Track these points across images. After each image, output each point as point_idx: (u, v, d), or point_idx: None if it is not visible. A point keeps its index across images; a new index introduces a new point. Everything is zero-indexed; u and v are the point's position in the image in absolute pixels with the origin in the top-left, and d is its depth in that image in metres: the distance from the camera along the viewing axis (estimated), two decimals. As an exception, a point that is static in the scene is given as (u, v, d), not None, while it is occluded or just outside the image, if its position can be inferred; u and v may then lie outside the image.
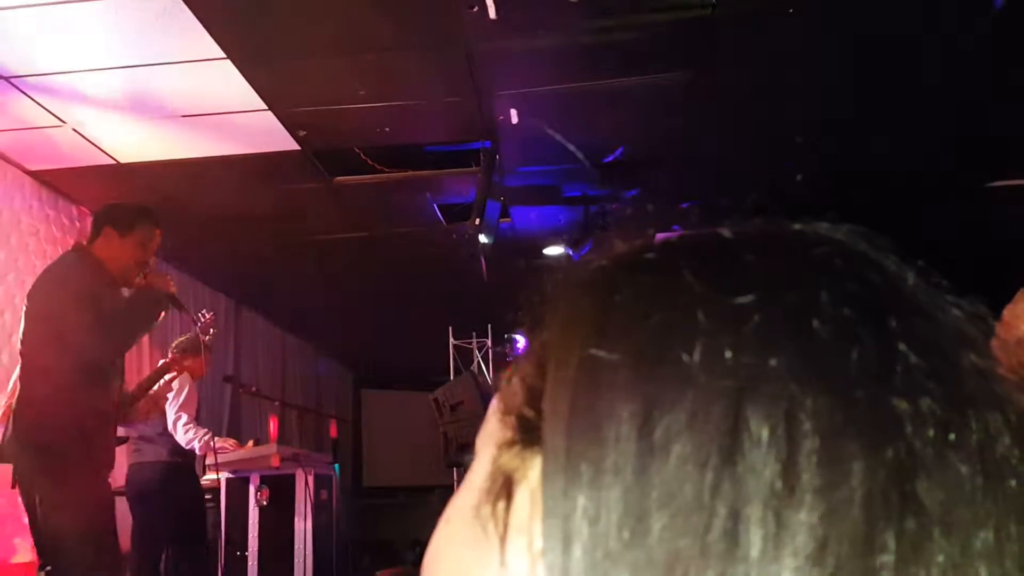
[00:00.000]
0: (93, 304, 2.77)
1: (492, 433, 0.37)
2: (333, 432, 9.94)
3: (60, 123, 4.93)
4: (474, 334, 8.83)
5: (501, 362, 8.39)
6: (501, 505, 0.34)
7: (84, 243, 3.01)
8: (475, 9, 3.78)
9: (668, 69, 4.43)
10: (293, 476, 4.60)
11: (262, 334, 9.16)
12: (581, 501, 0.31)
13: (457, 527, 0.37)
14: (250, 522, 4.46)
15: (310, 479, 4.62)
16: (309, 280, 7.87)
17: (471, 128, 5.02)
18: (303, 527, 4.49)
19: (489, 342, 8.74)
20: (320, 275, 7.75)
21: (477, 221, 4.97)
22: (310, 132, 5.09)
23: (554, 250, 6.10)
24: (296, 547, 4.45)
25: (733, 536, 0.28)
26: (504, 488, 0.35)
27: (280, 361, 9.58)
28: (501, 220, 5.52)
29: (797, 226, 0.36)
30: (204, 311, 4.50)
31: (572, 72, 4.42)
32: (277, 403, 7.48)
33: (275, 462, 4.40)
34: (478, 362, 8.65)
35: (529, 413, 0.35)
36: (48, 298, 2.80)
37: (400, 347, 10.05)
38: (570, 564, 0.30)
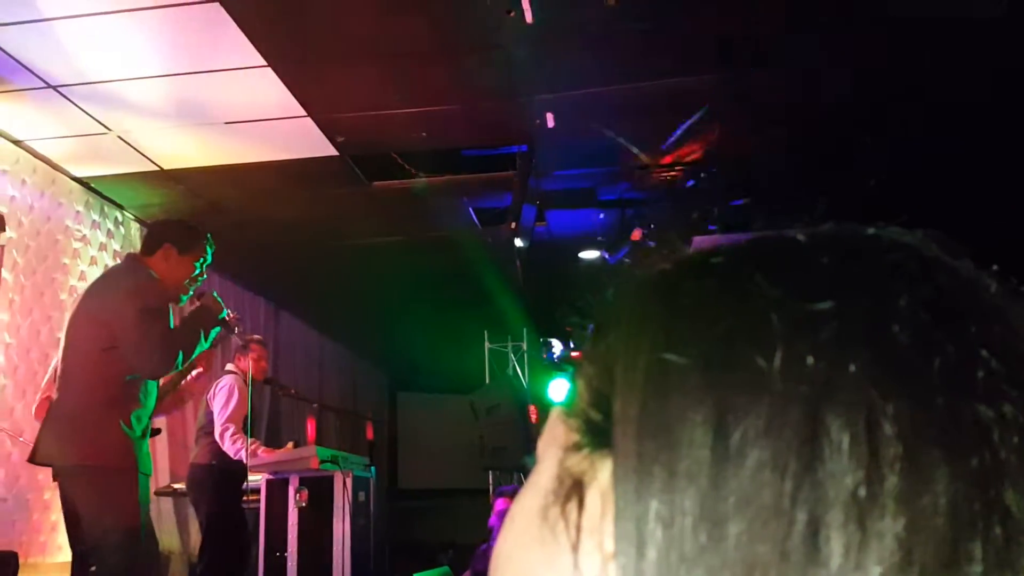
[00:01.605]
0: (156, 319, 2.78)
1: (557, 436, 0.37)
2: (369, 434, 10.00)
3: (106, 130, 5.04)
4: (509, 338, 8.83)
5: (537, 366, 8.38)
6: (570, 507, 0.34)
7: (141, 256, 3.03)
8: (512, 13, 3.80)
9: (706, 71, 4.40)
10: (332, 478, 4.64)
11: (300, 337, 9.26)
12: (654, 504, 0.31)
13: (524, 529, 0.37)
14: (289, 523, 4.51)
15: (348, 481, 4.66)
16: (346, 284, 7.95)
17: (507, 132, 5.04)
18: (342, 529, 4.52)
19: (524, 346, 8.74)
20: (357, 279, 7.82)
21: (513, 225, 4.98)
22: (348, 138, 5.15)
23: (590, 254, 6.10)
24: (335, 549, 4.49)
25: (813, 543, 0.28)
26: (573, 490, 0.35)
27: (318, 364, 9.68)
28: (537, 224, 5.54)
29: (870, 230, 0.35)
30: (228, 311, 4.56)
31: (609, 75, 4.42)
32: (315, 405, 7.54)
33: (314, 464, 4.45)
34: (513, 366, 8.66)
35: (596, 416, 0.35)
36: (108, 306, 2.80)
37: (436, 350, 10.10)
38: (644, 566, 0.30)
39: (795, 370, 0.30)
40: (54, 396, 2.84)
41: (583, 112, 4.71)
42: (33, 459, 2.98)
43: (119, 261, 5.72)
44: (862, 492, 0.28)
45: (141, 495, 2.75)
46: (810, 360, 0.30)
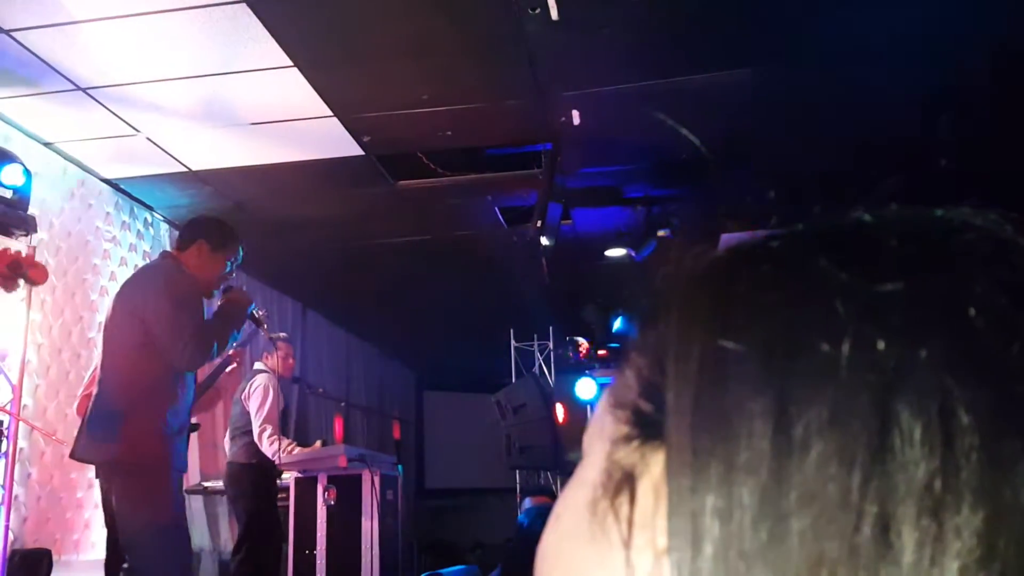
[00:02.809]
0: (189, 312, 2.84)
1: (604, 428, 0.36)
2: (396, 433, 10.04)
3: (134, 132, 5.09)
4: (535, 336, 8.82)
5: (563, 365, 8.36)
6: (621, 500, 0.33)
7: (175, 252, 3.08)
8: (537, 11, 3.78)
9: (735, 66, 4.35)
10: (360, 476, 4.66)
11: (327, 336, 9.31)
12: (711, 499, 0.29)
13: (571, 524, 0.35)
14: (318, 521, 4.53)
15: (376, 480, 4.67)
16: (373, 283, 7.98)
17: (532, 130, 5.02)
18: (370, 527, 4.54)
19: (551, 344, 8.72)
20: (383, 278, 7.84)
21: (539, 223, 4.96)
22: (374, 137, 5.16)
23: (616, 252, 6.06)
24: (363, 547, 4.50)
25: (884, 539, 0.27)
26: (623, 483, 0.33)
27: (344, 363, 9.73)
28: (562, 222, 5.51)
29: (939, 211, 0.33)
30: (256, 308, 4.59)
31: (636, 71, 4.38)
32: (342, 404, 7.59)
33: (342, 462, 4.46)
34: (540, 364, 8.64)
35: (647, 407, 0.34)
36: (142, 301, 2.84)
37: (462, 349, 10.12)
38: (700, 563, 0.29)
39: (863, 357, 0.29)
40: (95, 391, 2.87)
41: (609, 109, 4.67)
42: (73, 455, 3.02)
43: (152, 259, 5.79)
44: (937, 484, 0.27)
45: (175, 491, 2.77)
46: (879, 346, 0.29)
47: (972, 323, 0.29)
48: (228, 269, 3.09)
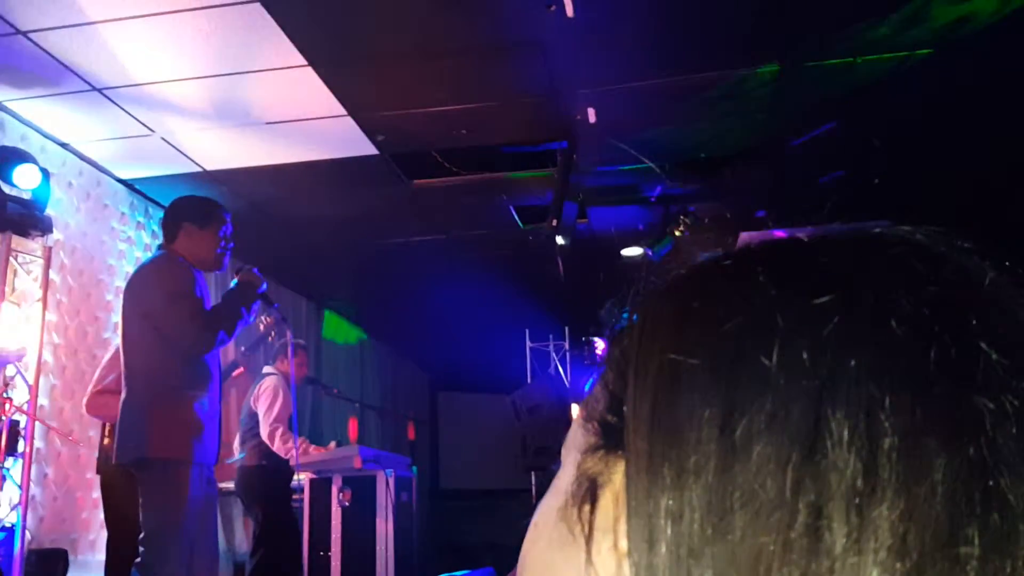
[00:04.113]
0: (190, 300, 2.85)
1: (576, 440, 0.39)
2: (411, 434, 10.03)
3: (149, 132, 5.09)
4: (551, 337, 8.78)
5: (579, 365, 8.32)
6: (587, 508, 0.35)
7: (165, 244, 3.07)
8: (552, 8, 3.74)
9: (751, 63, 4.30)
10: (374, 477, 4.64)
11: (341, 336, 9.31)
12: (664, 501, 0.32)
13: (544, 529, 0.38)
14: (333, 522, 4.52)
15: (391, 481, 4.65)
16: (387, 283, 7.97)
17: (548, 128, 4.99)
18: (385, 528, 4.52)
19: (566, 345, 8.68)
20: (398, 278, 7.83)
21: (554, 222, 4.93)
22: (388, 136, 5.14)
23: (632, 251, 6.01)
24: (378, 548, 4.48)
25: (816, 532, 0.29)
26: (589, 491, 0.36)
27: (359, 364, 9.72)
28: (578, 221, 5.47)
29: (877, 229, 0.36)
30: (263, 315, 4.56)
31: (652, 68, 4.34)
32: (356, 405, 7.58)
33: (357, 463, 4.45)
34: (555, 365, 8.60)
35: (611, 419, 0.36)
36: (145, 298, 2.87)
37: (477, 350, 10.10)
38: (655, 562, 0.31)
39: (796, 365, 0.31)
40: (123, 396, 2.88)
41: (625, 106, 4.63)
42: (114, 461, 3.01)
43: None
44: (861, 482, 0.29)
45: (194, 487, 2.76)
46: (810, 355, 0.31)
47: (895, 333, 0.31)
48: (223, 241, 3.05)
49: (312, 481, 4.64)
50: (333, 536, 4.48)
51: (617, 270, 6.17)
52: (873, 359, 0.31)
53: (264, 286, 3.11)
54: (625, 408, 0.35)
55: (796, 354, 0.31)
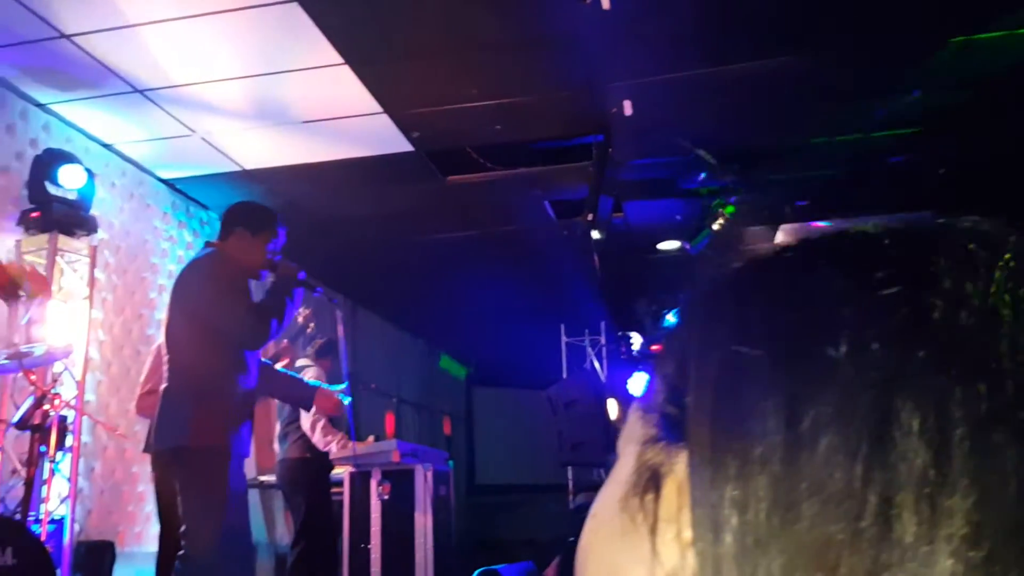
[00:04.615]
0: (240, 295, 2.92)
1: (635, 431, 0.39)
2: (447, 429, 10.08)
3: (190, 132, 5.18)
4: (586, 332, 8.76)
5: (615, 360, 8.29)
6: (649, 498, 0.36)
7: (217, 242, 3.13)
8: (588, 1, 3.73)
9: (789, 53, 4.25)
10: (412, 471, 4.68)
11: (378, 332, 9.38)
12: (729, 491, 0.32)
13: (605, 520, 0.38)
14: (372, 516, 4.56)
15: (429, 475, 4.68)
16: (422, 279, 8.01)
17: (583, 122, 4.98)
18: (423, 521, 4.55)
19: (603, 339, 8.65)
20: (433, 274, 7.87)
21: (590, 217, 4.92)
22: (423, 133, 5.17)
23: (669, 245, 5.97)
24: (416, 541, 4.52)
25: (886, 522, 0.29)
26: (651, 482, 0.36)
27: (395, 359, 9.80)
28: (614, 215, 5.45)
29: (940, 220, 0.36)
30: (302, 307, 4.60)
31: (688, 60, 4.31)
32: (393, 400, 7.64)
33: (395, 457, 4.48)
34: (591, 360, 8.58)
35: (672, 410, 0.37)
36: (194, 293, 2.92)
37: (512, 345, 10.11)
38: (721, 551, 0.32)
39: (865, 357, 0.31)
40: (164, 386, 2.93)
41: (662, 98, 4.60)
42: (147, 449, 3.08)
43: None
44: (932, 473, 0.29)
45: (234, 478, 2.81)
46: (879, 347, 0.31)
47: (964, 324, 0.31)
48: (271, 250, 3.11)
49: (351, 474, 4.69)
50: (372, 529, 4.52)
51: (654, 264, 6.15)
52: (943, 350, 0.31)
53: (302, 273, 3.14)
54: (687, 399, 0.36)
55: (864, 345, 0.31)
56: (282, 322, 2.96)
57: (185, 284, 2.98)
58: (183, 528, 2.78)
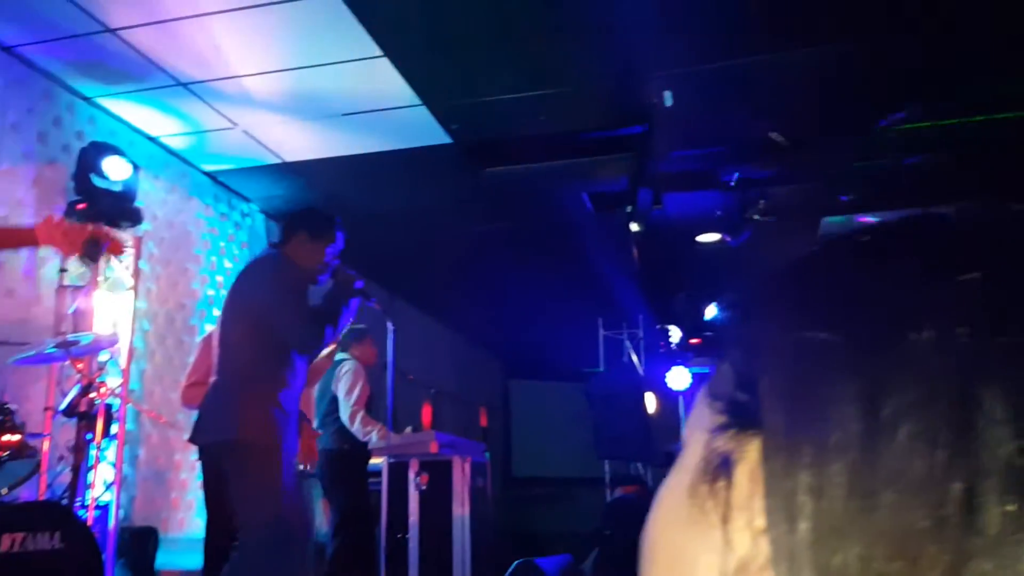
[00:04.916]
0: (299, 300, 2.99)
1: (702, 419, 0.38)
2: (483, 421, 10.08)
3: (232, 125, 5.23)
4: (624, 324, 8.71)
5: (654, 353, 8.23)
6: (719, 485, 0.35)
7: (279, 245, 3.21)
8: (629, -10, 3.69)
9: (832, 40, 4.16)
10: (450, 463, 4.68)
11: (415, 324, 9.42)
12: (805, 478, 0.32)
13: (672, 509, 0.38)
14: (410, 506, 4.57)
15: (466, 467, 4.69)
16: (459, 271, 8.02)
17: (623, 113, 4.93)
18: (461, 513, 4.56)
19: (641, 332, 8.60)
20: (470, 266, 7.88)
21: (629, 209, 4.87)
22: (462, 125, 5.17)
23: (709, 237, 5.90)
24: (454, 532, 4.53)
25: (969, 511, 0.29)
26: (721, 469, 0.36)
27: (431, 351, 9.83)
28: (653, 207, 5.40)
29: (1017, 206, 0.35)
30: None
31: (731, 48, 4.24)
32: (431, 391, 7.65)
33: (433, 448, 4.49)
34: (629, 353, 8.53)
35: (742, 397, 0.36)
36: (255, 292, 2.98)
37: (549, 337, 10.10)
38: (796, 539, 0.32)
39: (945, 343, 0.31)
40: (213, 379, 2.97)
41: (703, 88, 4.54)
42: (193, 439, 3.13)
43: (254, 252, 5.95)
44: (1018, 461, 0.29)
45: (286, 474, 2.85)
46: (963, 333, 0.31)
47: None
48: (329, 255, 3.18)
49: (390, 465, 4.71)
50: (410, 520, 4.54)
51: (693, 257, 6.08)
52: None
53: (360, 283, 3.21)
54: (760, 386, 0.35)
55: (947, 331, 0.31)
56: (336, 329, 3.02)
57: (246, 283, 3.04)
58: (236, 521, 2.81)
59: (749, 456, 0.35)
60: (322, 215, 3.25)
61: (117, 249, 2.48)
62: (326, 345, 3.10)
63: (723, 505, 0.35)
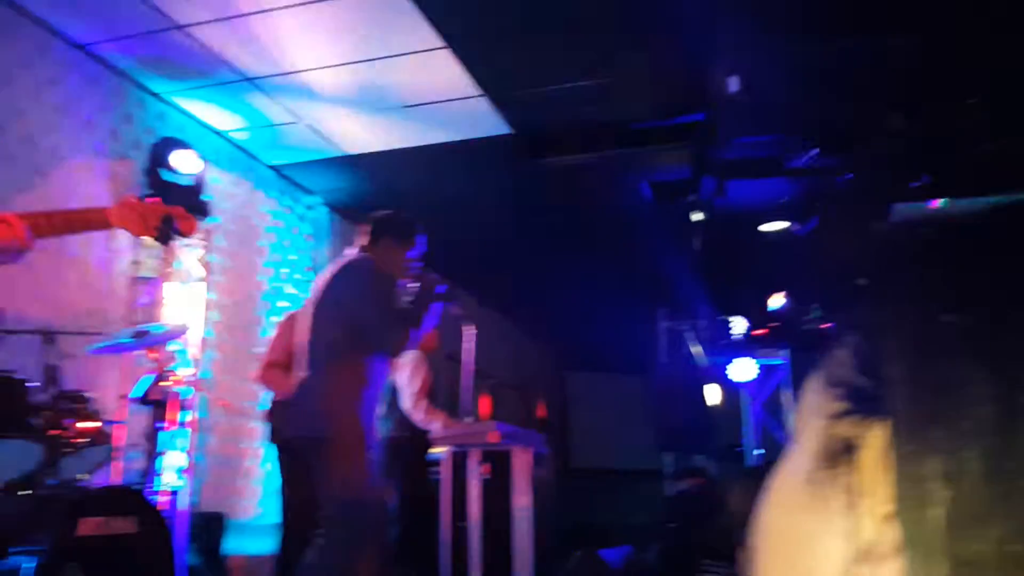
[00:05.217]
0: (390, 303, 3.10)
1: (818, 406, 0.37)
2: (541, 412, 10.08)
3: (296, 119, 5.31)
4: (686, 315, 8.60)
5: (715, 345, 8.12)
6: (842, 471, 0.33)
7: (368, 248, 3.28)
8: (692, -26, 3.63)
9: (901, 29, 4.03)
10: (510, 453, 4.69)
11: (473, 315, 9.46)
12: (936, 464, 0.30)
13: (789, 496, 0.36)
14: (471, 495, 4.60)
15: (527, 457, 4.69)
16: (518, 261, 8.03)
17: (685, 100, 4.86)
18: (522, 503, 4.57)
19: (702, 323, 8.47)
20: (529, 256, 7.87)
21: (691, 198, 4.80)
22: (522, 115, 5.16)
23: (774, 226, 5.78)
24: (515, 522, 4.54)
25: None
26: (843, 455, 0.33)
27: (490, 341, 9.87)
28: (716, 195, 5.31)
29: None
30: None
31: (799, 32, 4.14)
32: (491, 382, 7.69)
33: (494, 438, 4.50)
34: (690, 344, 8.42)
35: (864, 383, 0.33)
36: (349, 295, 3.08)
37: (607, 329, 10.04)
38: (928, 526, 0.31)
39: None
40: (303, 375, 3.07)
41: (769, 74, 4.44)
42: (281, 435, 3.21)
43: (319, 244, 6.04)
44: None
45: (370, 468, 2.93)
46: None
47: None
48: (412, 259, 3.29)
49: (451, 454, 4.74)
50: (471, 509, 4.56)
51: (757, 246, 5.96)
52: None
53: (442, 287, 3.29)
54: (887, 371, 0.34)
55: None
56: (418, 334, 3.11)
57: (339, 286, 3.12)
58: (321, 513, 2.88)
59: (874, 442, 0.35)
60: (405, 221, 3.35)
61: (189, 228, 2.52)
62: (410, 348, 3.19)
63: (847, 491, 0.35)
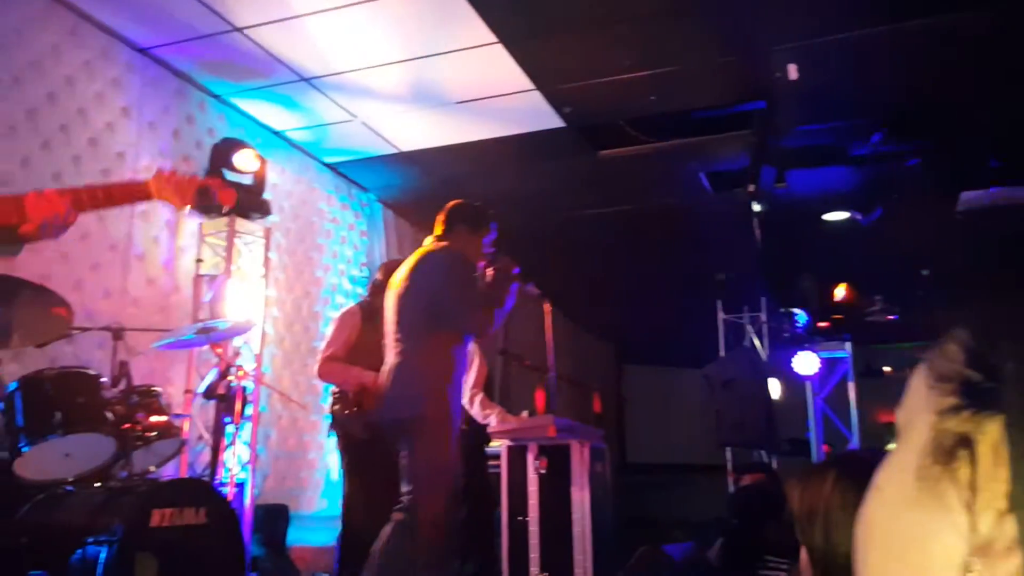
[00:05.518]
0: (474, 288, 3.26)
1: (925, 401, 0.37)
2: (597, 406, 10.03)
3: (351, 117, 5.37)
4: (746, 308, 8.47)
5: (778, 338, 7.96)
6: (956, 466, 0.35)
7: (443, 238, 3.43)
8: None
9: (967, 9, 3.88)
10: (568, 447, 4.67)
11: (529, 308, 9.45)
12: None
13: (899, 492, 0.37)
14: (529, 489, 4.59)
15: (585, 451, 4.66)
16: (574, 254, 7.99)
17: (743, 89, 4.76)
18: (580, 497, 4.54)
19: (763, 316, 8.33)
20: (585, 249, 7.83)
21: (751, 188, 4.71)
22: (575, 108, 5.12)
23: (836, 216, 5.63)
24: (574, 516, 4.52)
25: None
26: (956, 450, 0.35)
27: (545, 335, 9.84)
28: (776, 185, 5.20)
29: None
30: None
31: (858, 16, 4.02)
32: (550, 375, 7.67)
33: (551, 432, 4.49)
34: (751, 338, 8.28)
35: (976, 377, 0.35)
36: (435, 283, 3.21)
37: (664, 322, 9.94)
38: None
39: None
40: (395, 360, 3.20)
41: (830, 60, 4.32)
42: (377, 417, 3.30)
43: (374, 240, 6.11)
44: None
45: (453, 448, 3.13)
46: None
47: None
48: (487, 246, 3.43)
49: (509, 448, 4.74)
50: (530, 503, 4.56)
51: (819, 236, 5.82)
52: None
53: (517, 269, 3.42)
54: (1003, 367, 0.34)
55: None
56: (502, 316, 3.26)
57: (420, 275, 3.25)
58: (408, 488, 3.04)
59: (988, 437, 0.34)
60: (476, 209, 3.49)
61: (228, 198, 2.55)
62: (495, 328, 3.30)
63: (961, 486, 0.34)
